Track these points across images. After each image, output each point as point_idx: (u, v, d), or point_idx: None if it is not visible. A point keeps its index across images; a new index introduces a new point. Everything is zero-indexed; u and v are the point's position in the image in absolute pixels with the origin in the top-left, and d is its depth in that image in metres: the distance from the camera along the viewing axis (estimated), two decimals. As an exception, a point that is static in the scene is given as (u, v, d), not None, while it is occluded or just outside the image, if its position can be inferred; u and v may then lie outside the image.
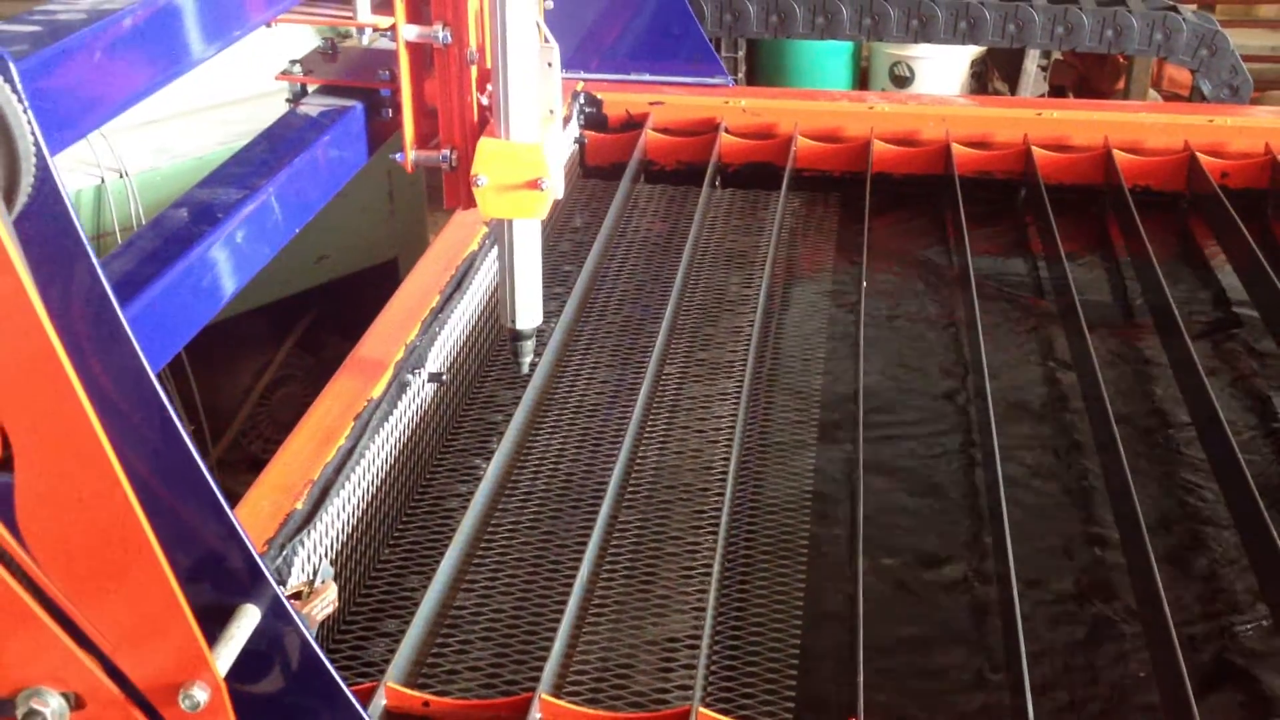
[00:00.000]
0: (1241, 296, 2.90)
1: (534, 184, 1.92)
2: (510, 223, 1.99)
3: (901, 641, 1.96)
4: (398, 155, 2.01)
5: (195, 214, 1.72)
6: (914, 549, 2.15)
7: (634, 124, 3.50)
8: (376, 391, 2.16)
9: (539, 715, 1.61)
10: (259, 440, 4.25)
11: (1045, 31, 3.75)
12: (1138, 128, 3.33)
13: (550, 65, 2.00)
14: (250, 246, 1.76)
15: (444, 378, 2.33)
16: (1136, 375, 2.65)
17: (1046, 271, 3.03)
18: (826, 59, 6.59)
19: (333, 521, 1.91)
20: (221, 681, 1.16)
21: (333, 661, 1.79)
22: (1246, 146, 3.26)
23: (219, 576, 1.20)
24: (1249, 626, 1.98)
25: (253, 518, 1.84)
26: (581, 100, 3.52)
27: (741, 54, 6.48)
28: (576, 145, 3.47)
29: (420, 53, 1.99)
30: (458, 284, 2.56)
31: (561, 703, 1.63)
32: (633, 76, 3.62)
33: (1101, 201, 3.27)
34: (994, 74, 6.63)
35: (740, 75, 6.48)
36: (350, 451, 2.02)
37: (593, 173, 3.50)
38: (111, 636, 1.15)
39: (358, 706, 1.30)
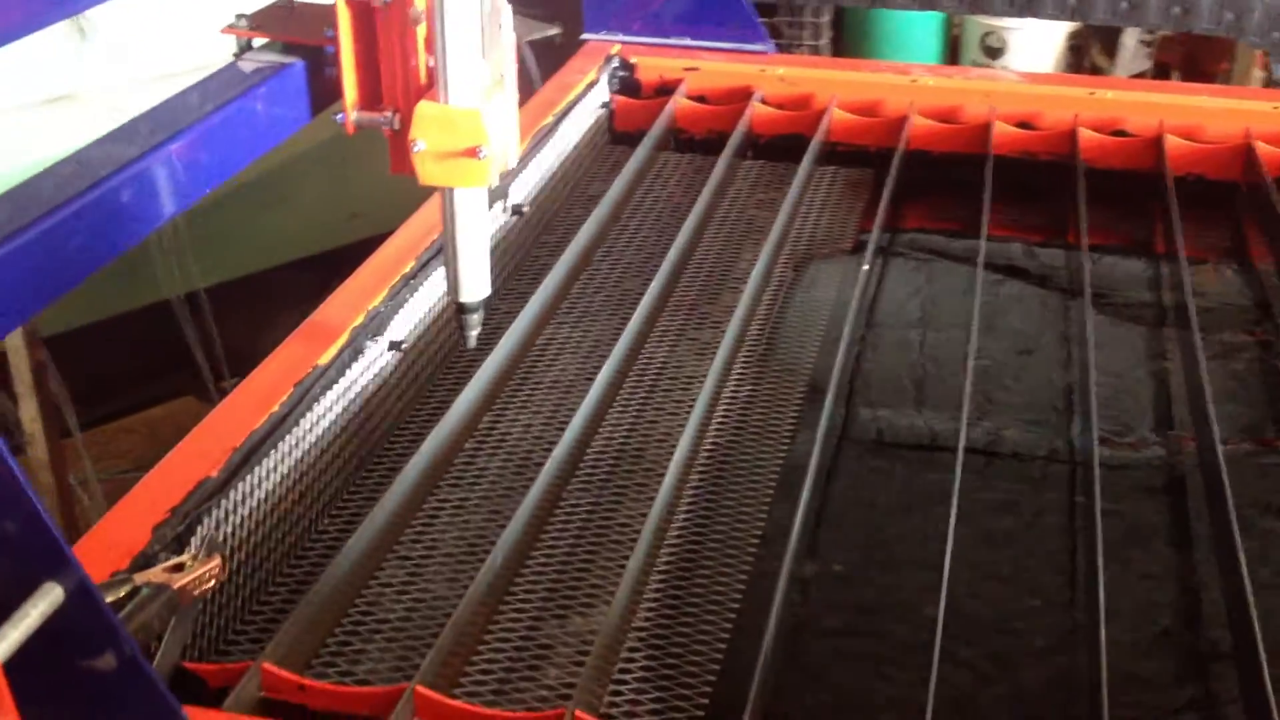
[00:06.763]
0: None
1: (473, 152, 1.84)
2: (451, 191, 1.91)
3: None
4: (339, 116, 1.94)
5: (112, 151, 1.69)
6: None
7: (667, 90, 3.39)
8: (325, 359, 2.10)
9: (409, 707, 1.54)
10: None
11: (1160, 11, 3.46)
12: (1196, 112, 3.12)
13: (502, 28, 1.91)
14: (170, 188, 1.72)
15: (404, 346, 2.26)
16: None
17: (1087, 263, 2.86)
18: (916, 28, 6.35)
19: (251, 492, 1.86)
20: None
21: (236, 642, 1.75)
22: (1313, 136, 3.03)
23: (13, 555, 1.15)
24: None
25: (164, 483, 1.80)
26: (615, 65, 3.42)
27: (826, 19, 6.28)
28: (603, 109, 3.38)
29: (362, 11, 1.92)
30: (438, 250, 2.48)
31: (434, 695, 1.56)
32: (672, 41, 3.51)
33: (1151, 189, 3.07)
34: (1092, 47, 6.33)
35: (824, 42, 6.28)
36: (283, 419, 1.97)
37: (621, 139, 3.39)
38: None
39: (168, 694, 1.23)
